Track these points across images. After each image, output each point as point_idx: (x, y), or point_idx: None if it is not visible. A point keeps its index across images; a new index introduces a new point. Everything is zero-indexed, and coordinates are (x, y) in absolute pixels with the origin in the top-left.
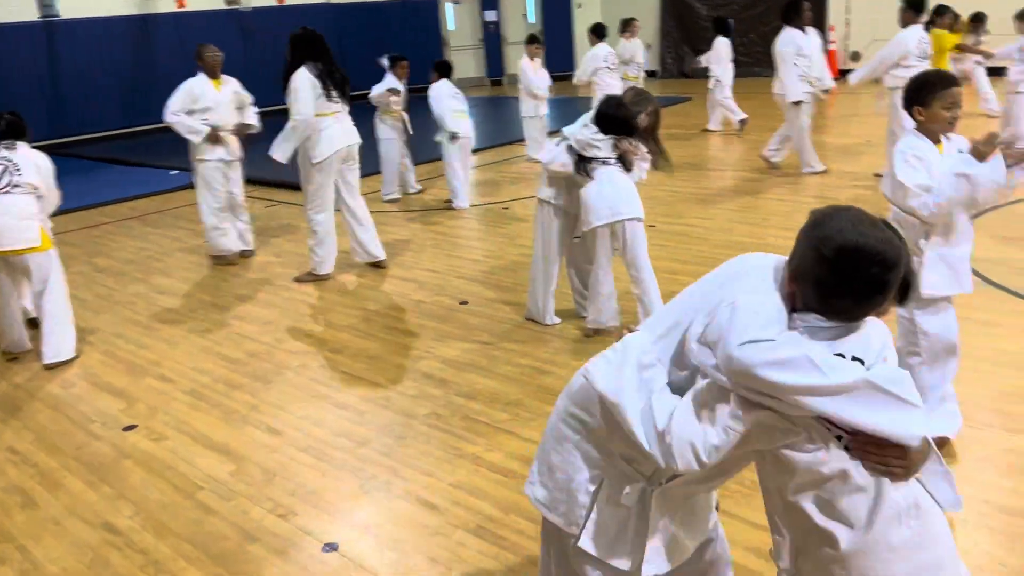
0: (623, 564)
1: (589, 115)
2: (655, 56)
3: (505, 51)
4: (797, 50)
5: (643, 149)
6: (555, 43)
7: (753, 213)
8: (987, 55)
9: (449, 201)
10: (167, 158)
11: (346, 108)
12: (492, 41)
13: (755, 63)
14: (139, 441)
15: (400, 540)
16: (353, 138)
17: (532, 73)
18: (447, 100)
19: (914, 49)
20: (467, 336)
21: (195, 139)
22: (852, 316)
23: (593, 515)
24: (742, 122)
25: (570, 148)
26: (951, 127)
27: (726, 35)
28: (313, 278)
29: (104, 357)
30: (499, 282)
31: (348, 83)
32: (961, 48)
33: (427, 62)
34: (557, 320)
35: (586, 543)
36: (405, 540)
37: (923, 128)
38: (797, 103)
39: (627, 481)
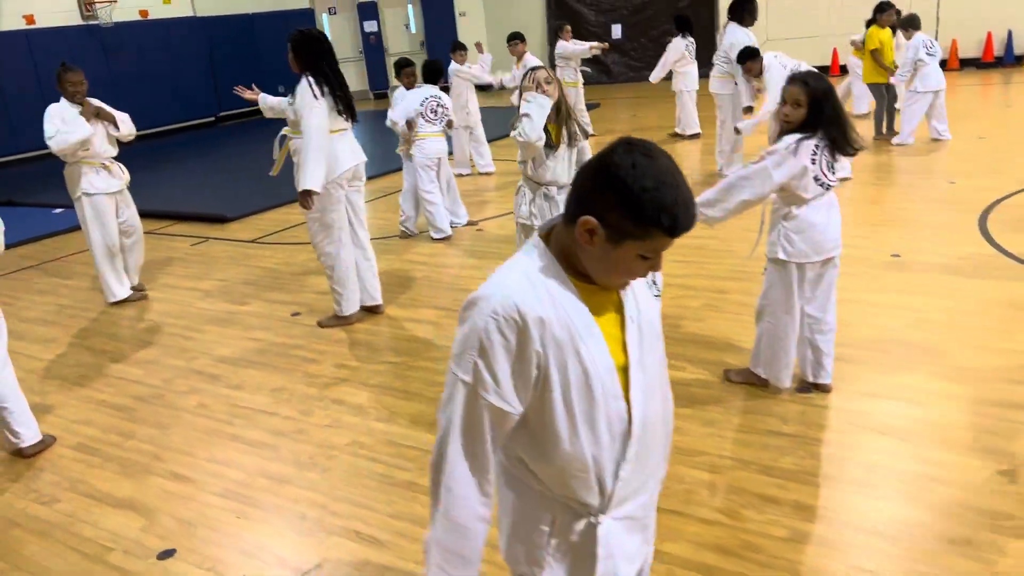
0: None
1: None
2: (545, 61)
3: (388, 63)
4: None
5: None
6: (440, 54)
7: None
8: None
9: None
10: (37, 194)
11: (351, 125)
12: (373, 53)
13: (646, 67)
14: (189, 572)
15: None
16: (361, 156)
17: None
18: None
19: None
20: None
21: (85, 134)
22: None
23: (550, 554)
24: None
25: None
26: None
27: (684, 32)
28: (338, 321)
29: (80, 454)
30: None
31: (351, 97)
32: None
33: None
34: None
35: None
36: None
37: None
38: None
39: (575, 517)
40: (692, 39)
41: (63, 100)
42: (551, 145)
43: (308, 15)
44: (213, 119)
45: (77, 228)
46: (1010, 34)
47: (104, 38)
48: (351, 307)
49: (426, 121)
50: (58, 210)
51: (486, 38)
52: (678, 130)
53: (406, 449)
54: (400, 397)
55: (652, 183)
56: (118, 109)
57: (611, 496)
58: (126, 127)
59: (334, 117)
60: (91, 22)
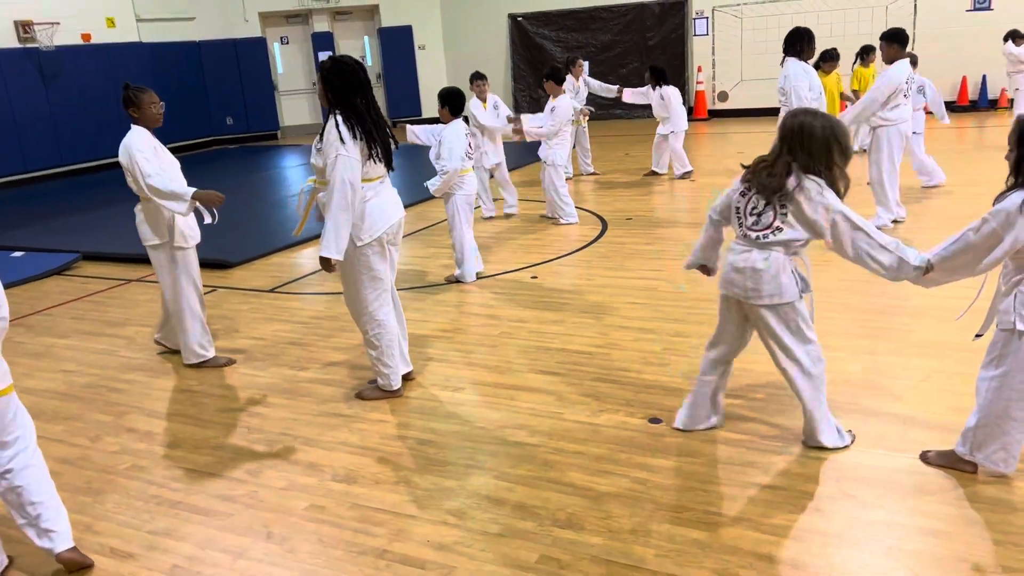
0: None
1: None
2: (508, 99)
3: None
4: (808, 85)
5: None
6: (398, 87)
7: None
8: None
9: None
10: None
11: (389, 171)
12: None
13: (615, 105)
14: None
15: None
16: (401, 210)
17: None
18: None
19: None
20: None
21: (180, 209)
22: None
23: None
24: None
25: None
26: None
27: (667, 81)
28: (382, 394)
29: None
30: (665, 382)
31: (393, 138)
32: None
33: (257, 107)
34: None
35: None
36: None
37: None
38: None
39: None
40: None
41: (138, 128)
42: None
43: (260, 44)
44: None
45: (47, 275)
46: (984, 79)
47: (42, 63)
48: (397, 381)
49: (469, 157)
50: (18, 253)
51: (446, 72)
52: (656, 169)
53: (616, 568)
54: (556, 489)
55: None
56: (58, 140)
57: None
58: None
59: (370, 165)
60: (29, 45)
